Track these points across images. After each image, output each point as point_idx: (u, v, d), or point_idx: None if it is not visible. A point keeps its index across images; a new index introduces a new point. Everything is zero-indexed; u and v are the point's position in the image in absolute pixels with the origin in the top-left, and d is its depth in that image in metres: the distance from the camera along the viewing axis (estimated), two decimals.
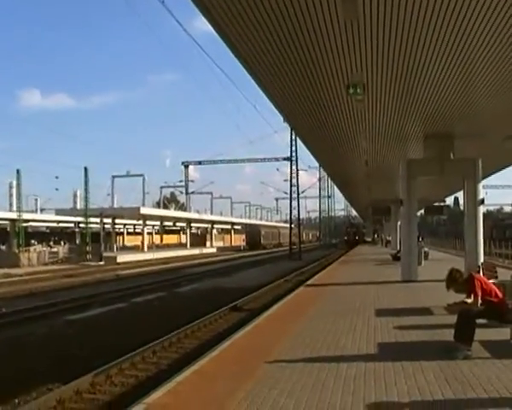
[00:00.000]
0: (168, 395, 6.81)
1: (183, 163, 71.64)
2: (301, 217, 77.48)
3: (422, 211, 49.96)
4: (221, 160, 71.57)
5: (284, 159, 64.47)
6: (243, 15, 9.64)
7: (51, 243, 69.03)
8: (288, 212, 67.72)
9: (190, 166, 74.12)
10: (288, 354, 8.81)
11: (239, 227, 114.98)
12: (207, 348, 11.03)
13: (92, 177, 73.55)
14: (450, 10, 9.36)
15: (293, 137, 57.54)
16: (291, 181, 62.11)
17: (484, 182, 24.87)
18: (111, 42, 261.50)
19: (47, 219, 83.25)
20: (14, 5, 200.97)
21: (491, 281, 9.50)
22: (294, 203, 64.31)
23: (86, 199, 57.34)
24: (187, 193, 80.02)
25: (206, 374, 7.76)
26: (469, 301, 8.39)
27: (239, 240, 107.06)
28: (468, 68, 12.64)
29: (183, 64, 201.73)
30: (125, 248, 78.23)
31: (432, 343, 9.30)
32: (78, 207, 78.10)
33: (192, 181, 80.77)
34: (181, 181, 78.88)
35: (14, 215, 60.84)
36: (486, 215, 68.49)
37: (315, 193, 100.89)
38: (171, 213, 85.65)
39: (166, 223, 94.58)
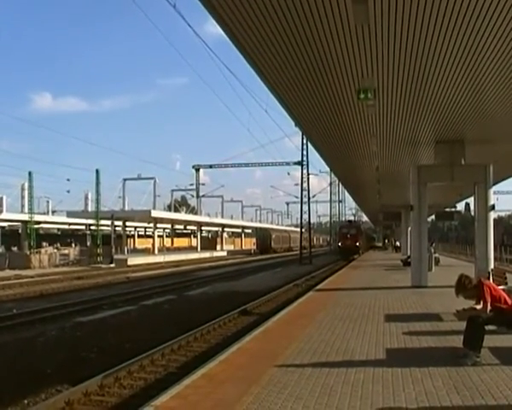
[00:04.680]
0: (176, 399, 6.83)
1: (193, 167, 71.34)
2: (312, 221, 76.98)
3: (433, 216, 49.89)
4: (232, 163, 71.28)
5: (295, 163, 64.20)
6: (253, 18, 9.66)
7: (58, 245, 69.03)
8: (299, 216, 67.59)
9: (201, 170, 73.82)
10: (297, 358, 8.83)
11: (249, 231, 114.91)
12: (216, 351, 11.07)
13: (103, 179, 73.44)
14: (461, 15, 9.36)
15: (305, 141, 57.31)
16: (302, 185, 61.89)
17: (495, 188, 24.78)
18: (122, 45, 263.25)
19: (58, 221, 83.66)
20: (25, 8, 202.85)
21: (500, 287, 9.47)
22: (305, 207, 64.23)
23: (97, 201, 57.51)
24: (198, 196, 79.75)
25: (215, 378, 7.76)
26: (478, 307, 8.37)
27: (249, 244, 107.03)
28: (479, 74, 12.63)
29: (194, 68, 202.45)
30: (135, 251, 78.41)
31: (441, 349, 9.29)
32: (90, 209, 78.09)
33: (203, 184, 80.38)
34: (192, 184, 78.51)
35: (25, 217, 60.98)
36: (497, 221, 68.27)
37: (326, 198, 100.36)
38: (182, 216, 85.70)
39: (177, 226, 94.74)
